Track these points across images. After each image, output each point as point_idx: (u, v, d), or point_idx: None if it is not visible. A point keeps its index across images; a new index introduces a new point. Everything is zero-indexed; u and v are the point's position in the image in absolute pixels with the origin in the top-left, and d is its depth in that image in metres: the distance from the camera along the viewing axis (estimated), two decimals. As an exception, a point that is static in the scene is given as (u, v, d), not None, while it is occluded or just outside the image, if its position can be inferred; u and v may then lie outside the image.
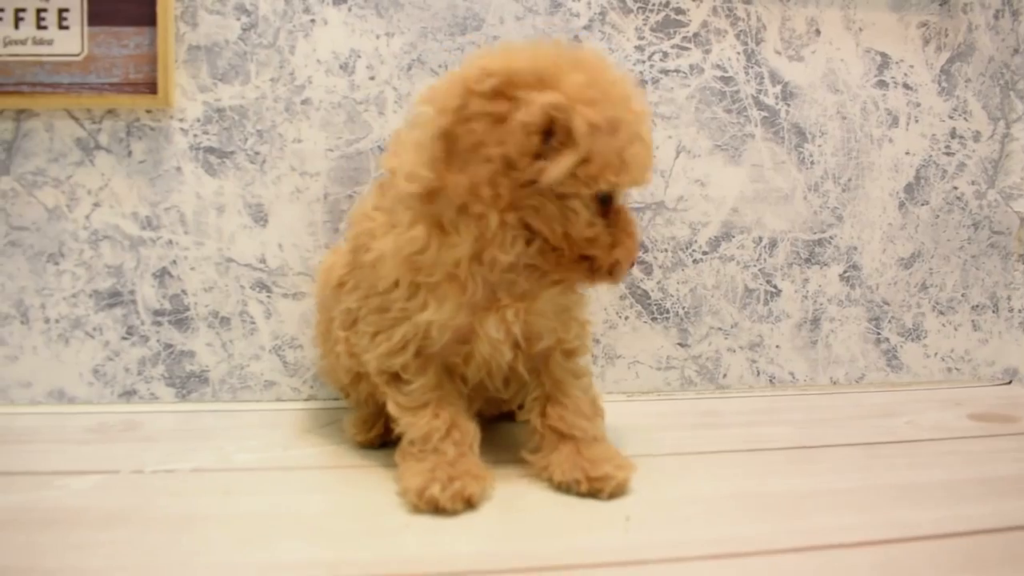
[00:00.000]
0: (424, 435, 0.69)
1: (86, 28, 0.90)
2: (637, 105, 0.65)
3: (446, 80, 0.65)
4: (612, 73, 0.65)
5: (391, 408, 0.70)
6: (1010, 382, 1.12)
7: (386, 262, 0.67)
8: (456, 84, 0.62)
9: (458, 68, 0.66)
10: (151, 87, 0.91)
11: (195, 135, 0.93)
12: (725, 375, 1.04)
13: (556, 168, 0.61)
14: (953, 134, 1.09)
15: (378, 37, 0.95)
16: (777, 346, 1.05)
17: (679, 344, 1.03)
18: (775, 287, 1.05)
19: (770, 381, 1.06)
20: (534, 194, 0.63)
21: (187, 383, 0.95)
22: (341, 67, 0.94)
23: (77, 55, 0.90)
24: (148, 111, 0.92)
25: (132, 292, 0.94)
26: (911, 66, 1.07)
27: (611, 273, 0.68)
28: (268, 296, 0.95)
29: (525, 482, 0.72)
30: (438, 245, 0.65)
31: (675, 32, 1.00)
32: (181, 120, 0.93)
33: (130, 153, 0.93)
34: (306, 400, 0.96)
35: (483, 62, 0.63)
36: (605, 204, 0.66)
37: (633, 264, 0.69)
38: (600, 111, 0.61)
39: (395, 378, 0.70)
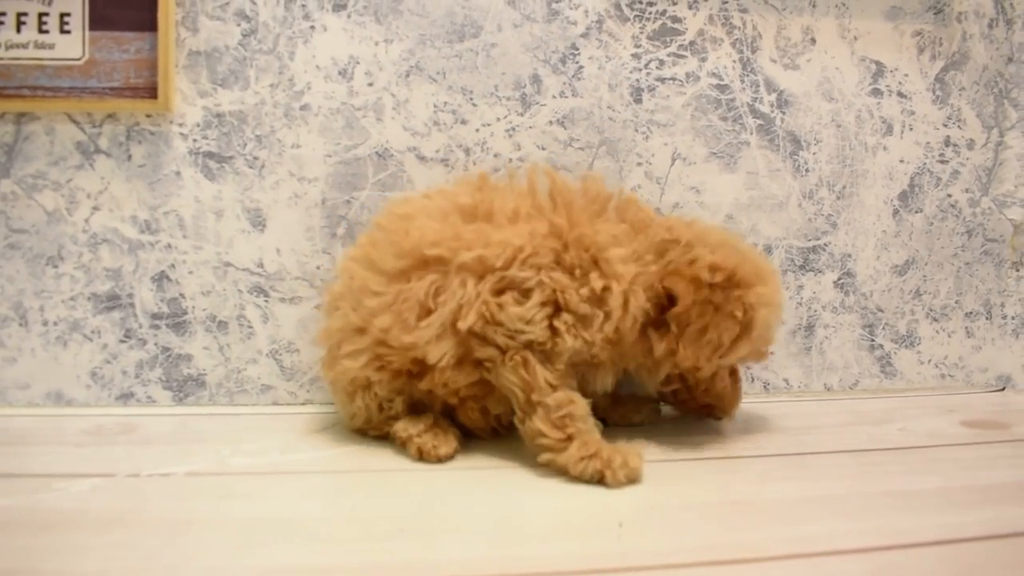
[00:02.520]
0: (575, 411, 0.77)
1: (87, 32, 0.91)
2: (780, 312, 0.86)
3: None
4: (778, 283, 0.86)
5: (542, 381, 0.76)
6: (1003, 389, 1.12)
7: (615, 295, 0.77)
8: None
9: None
10: (151, 92, 0.91)
11: (194, 140, 0.93)
12: (720, 381, 1.05)
13: (737, 353, 0.82)
14: (947, 142, 1.10)
15: (377, 44, 0.95)
16: (771, 352, 1.06)
17: (674, 350, 1.03)
18: (770, 294, 1.05)
19: (764, 387, 1.06)
20: None
21: (184, 386, 0.95)
22: (340, 73, 0.95)
23: (78, 59, 0.91)
24: (148, 115, 0.93)
25: (130, 295, 0.94)
26: (905, 75, 1.08)
27: (720, 418, 0.90)
28: (266, 300, 0.96)
29: (518, 486, 0.73)
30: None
31: (671, 40, 1.01)
32: (181, 125, 0.93)
33: (130, 157, 0.93)
34: (303, 404, 0.97)
35: (711, 259, 0.80)
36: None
37: None
38: (771, 314, 0.83)
39: (546, 356, 0.76)
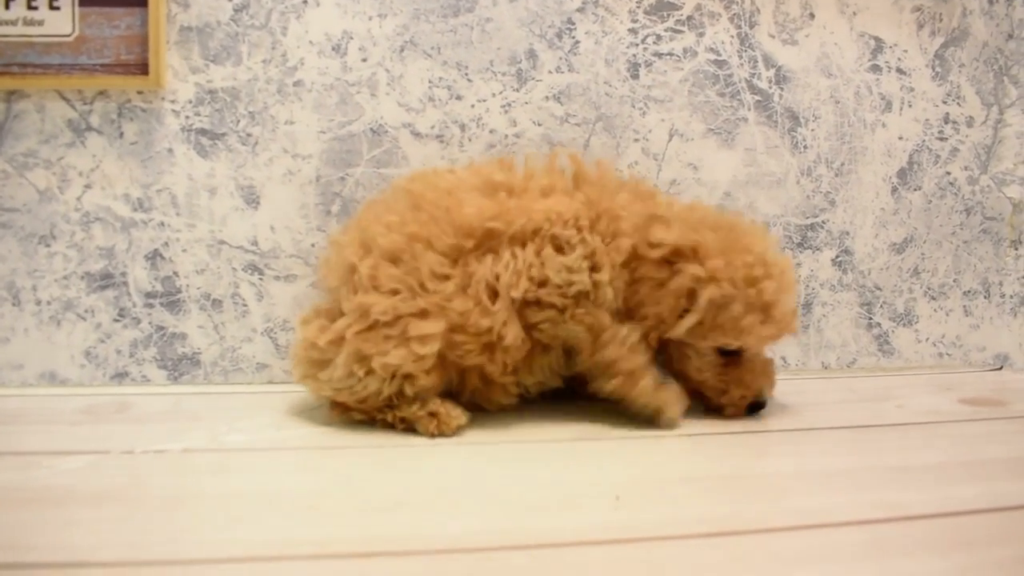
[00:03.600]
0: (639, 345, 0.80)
1: (77, 8, 0.90)
2: (771, 287, 0.80)
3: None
4: (757, 255, 0.80)
5: (606, 320, 0.79)
6: (1001, 368, 1.12)
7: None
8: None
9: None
10: (143, 68, 0.91)
11: (187, 117, 0.93)
12: (717, 359, 1.05)
13: (679, 327, 0.80)
14: (946, 119, 1.09)
15: (371, 18, 0.94)
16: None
17: (671, 328, 1.03)
18: (767, 271, 1.05)
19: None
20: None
21: (179, 365, 0.95)
22: (333, 49, 0.94)
23: (68, 36, 0.90)
24: (139, 92, 0.92)
25: (124, 274, 0.94)
26: (905, 51, 1.07)
27: (719, 412, 0.85)
28: (260, 278, 0.95)
29: (515, 460, 0.72)
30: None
31: (668, 15, 1.00)
32: (173, 101, 0.92)
33: (121, 135, 0.92)
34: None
35: (655, 232, 0.79)
36: (729, 355, 0.83)
37: (748, 409, 0.84)
38: (731, 287, 0.79)
39: (598, 303, 0.79)
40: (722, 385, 0.84)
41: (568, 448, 0.76)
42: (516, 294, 0.77)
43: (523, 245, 0.77)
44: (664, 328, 0.80)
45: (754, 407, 0.84)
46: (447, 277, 0.76)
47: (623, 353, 0.79)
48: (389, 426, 0.79)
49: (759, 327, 0.81)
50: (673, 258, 0.80)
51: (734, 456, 0.75)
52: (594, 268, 0.78)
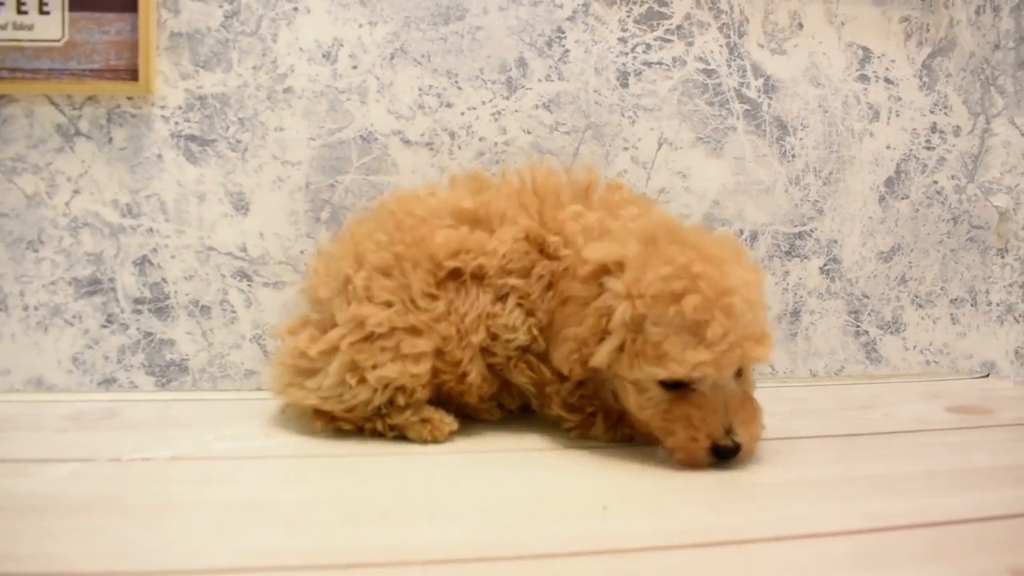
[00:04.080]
0: (586, 392, 0.79)
1: (67, 13, 0.90)
2: (694, 302, 0.67)
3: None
4: (679, 266, 0.68)
5: (548, 375, 0.77)
6: (988, 375, 1.13)
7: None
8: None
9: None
10: (132, 74, 0.90)
11: (176, 122, 0.93)
12: (706, 367, 1.05)
13: (598, 354, 0.71)
14: (934, 129, 1.10)
15: (361, 26, 0.94)
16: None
17: (660, 336, 1.03)
18: (756, 279, 1.05)
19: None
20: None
21: (167, 372, 0.95)
22: (324, 56, 0.94)
23: (58, 40, 0.90)
24: (129, 98, 0.92)
25: (112, 280, 0.93)
26: (893, 60, 1.08)
27: (670, 454, 0.72)
28: (249, 285, 0.95)
29: (502, 469, 0.72)
30: None
31: (658, 24, 1.00)
32: (162, 107, 0.92)
33: (111, 140, 0.92)
34: (287, 389, 0.96)
35: (587, 247, 0.73)
36: (674, 388, 0.70)
37: (713, 454, 0.70)
38: (645, 305, 0.68)
39: (542, 355, 0.78)
40: (666, 425, 0.71)
41: (555, 458, 0.76)
42: (475, 340, 0.76)
43: (480, 286, 0.77)
44: (586, 353, 0.72)
45: (718, 452, 0.69)
46: (436, 297, 0.76)
47: (564, 412, 0.79)
48: (378, 434, 0.79)
49: (688, 352, 0.67)
50: (600, 275, 0.72)
51: (721, 466, 0.75)
52: (530, 312, 0.77)
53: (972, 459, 0.78)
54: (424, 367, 0.76)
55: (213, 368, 0.95)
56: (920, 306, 1.11)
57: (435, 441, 0.78)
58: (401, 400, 0.77)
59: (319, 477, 0.71)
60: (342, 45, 0.94)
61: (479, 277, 0.77)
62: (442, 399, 0.81)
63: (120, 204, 0.93)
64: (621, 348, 0.70)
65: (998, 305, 1.13)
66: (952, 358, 1.13)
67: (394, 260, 0.77)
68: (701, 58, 1.02)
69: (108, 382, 0.94)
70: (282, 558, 0.55)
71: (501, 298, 0.77)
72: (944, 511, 0.64)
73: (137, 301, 0.94)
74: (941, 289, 1.12)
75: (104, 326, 0.94)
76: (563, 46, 0.98)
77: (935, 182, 1.10)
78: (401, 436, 0.78)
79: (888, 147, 1.08)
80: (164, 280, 0.94)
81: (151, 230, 0.93)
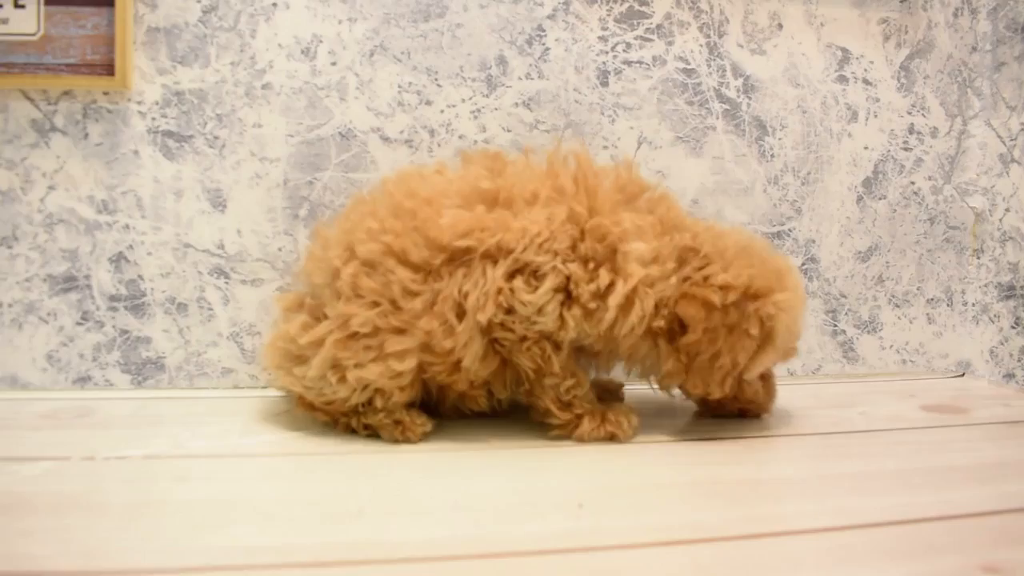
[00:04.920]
0: (580, 392, 0.80)
1: (43, 7, 0.89)
2: (803, 310, 0.83)
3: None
4: (798, 282, 0.82)
5: (556, 367, 0.78)
6: (963, 375, 1.14)
7: (616, 294, 0.76)
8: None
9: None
10: (108, 69, 0.90)
11: (153, 118, 0.92)
12: (684, 365, 1.05)
13: (758, 366, 0.80)
14: (911, 130, 1.10)
15: (340, 22, 0.94)
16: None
17: (639, 334, 1.04)
18: (734, 279, 1.06)
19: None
20: None
21: (143, 370, 0.94)
22: (303, 52, 0.94)
23: (33, 35, 0.89)
24: (105, 93, 0.91)
25: (87, 277, 0.92)
26: (871, 62, 1.08)
27: (758, 416, 0.89)
28: (226, 282, 0.94)
29: (479, 467, 0.72)
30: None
31: (638, 23, 1.01)
32: (139, 103, 0.92)
33: (86, 135, 0.91)
34: (264, 388, 0.96)
35: (723, 278, 0.77)
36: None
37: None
38: (792, 318, 0.79)
39: (557, 345, 0.78)
40: (767, 398, 0.87)
41: (532, 455, 0.76)
42: (482, 318, 0.74)
43: (495, 263, 0.74)
44: (737, 372, 0.79)
45: None
46: (416, 294, 0.75)
47: (556, 408, 0.79)
48: (351, 430, 0.79)
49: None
50: (745, 300, 0.78)
51: (695, 463, 0.75)
52: (567, 301, 0.75)
53: (946, 458, 0.78)
54: (409, 364, 0.75)
55: (190, 366, 0.95)
56: (897, 306, 1.12)
57: (407, 441, 0.78)
58: (379, 402, 0.77)
59: (296, 475, 0.71)
60: (321, 41, 0.94)
61: (492, 255, 0.74)
62: (429, 394, 0.81)
63: (96, 200, 0.92)
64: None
65: (973, 305, 1.14)
66: (928, 357, 1.14)
67: (380, 254, 0.75)
68: (681, 57, 1.02)
69: (83, 380, 0.93)
70: (257, 556, 0.54)
71: (527, 274, 0.74)
72: (917, 509, 0.65)
73: (113, 298, 0.93)
74: (917, 289, 1.12)
75: (79, 323, 0.93)
76: (543, 44, 0.98)
77: (912, 183, 1.11)
78: (375, 435, 0.78)
79: (866, 148, 1.09)
80: (140, 277, 0.93)
81: (127, 227, 0.92)
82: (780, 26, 1.05)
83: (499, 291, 0.74)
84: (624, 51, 1.00)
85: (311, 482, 0.69)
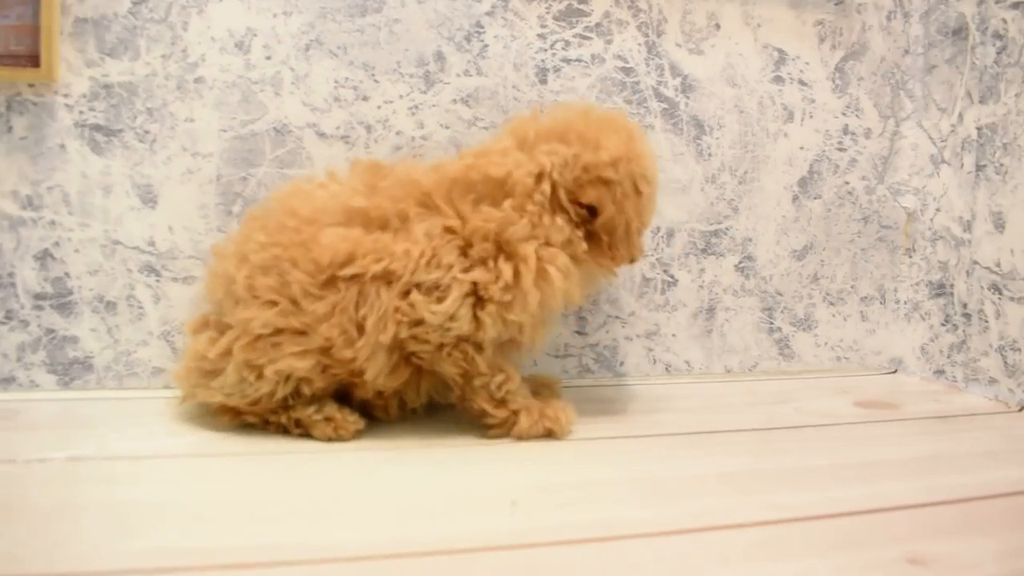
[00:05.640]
0: (512, 387, 0.80)
1: (-36, -4, 0.86)
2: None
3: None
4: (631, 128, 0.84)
5: (482, 367, 0.78)
6: (895, 371, 1.16)
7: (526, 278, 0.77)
8: None
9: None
10: (34, 60, 0.87)
11: (81, 111, 0.89)
12: (622, 363, 1.06)
13: (651, 217, 0.86)
14: (845, 131, 1.12)
15: (275, 16, 0.92)
16: (673, 335, 1.07)
17: (577, 332, 1.04)
18: (672, 277, 1.06)
19: (666, 369, 1.07)
20: None
21: (70, 370, 0.91)
22: (236, 45, 0.92)
23: (-47, 24, 0.86)
24: (30, 85, 0.88)
25: (11, 275, 0.89)
26: (807, 63, 1.10)
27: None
28: (157, 280, 0.92)
29: (410, 466, 0.72)
30: None
31: (577, 21, 1.01)
32: (66, 96, 0.89)
33: (10, 129, 0.88)
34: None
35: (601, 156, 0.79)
36: None
37: None
38: (654, 165, 0.84)
39: (478, 345, 0.78)
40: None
41: (464, 454, 0.76)
42: (384, 338, 0.75)
43: (387, 284, 0.75)
44: (645, 227, 0.84)
45: None
46: (318, 298, 0.75)
47: (491, 407, 0.79)
48: (283, 429, 0.78)
49: None
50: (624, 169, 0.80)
51: (632, 460, 0.76)
52: (478, 303, 0.76)
53: (877, 452, 0.80)
54: (309, 363, 0.76)
55: (119, 366, 0.92)
56: (831, 304, 1.13)
57: (340, 439, 0.77)
58: (307, 390, 0.77)
59: (225, 476, 0.69)
60: (255, 35, 0.92)
61: (383, 278, 0.75)
62: (343, 395, 0.81)
63: (20, 196, 0.89)
64: None
65: (905, 303, 1.16)
66: (861, 354, 1.16)
67: (273, 259, 0.76)
68: (620, 56, 1.02)
69: (7, 381, 0.90)
70: (181, 559, 0.53)
71: (423, 290, 0.75)
72: (847, 503, 0.66)
73: (38, 296, 0.90)
74: (851, 287, 1.14)
75: (3, 323, 0.90)
76: (482, 41, 0.98)
77: (847, 183, 1.13)
78: (306, 434, 0.78)
79: (801, 148, 1.10)
80: (67, 275, 0.90)
81: (53, 223, 0.90)
82: (718, 26, 1.06)
83: (396, 309, 0.75)
84: (563, 49, 1.00)
85: (241, 483, 0.67)
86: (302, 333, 0.76)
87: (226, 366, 0.77)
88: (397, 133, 0.96)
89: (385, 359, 0.76)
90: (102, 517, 0.59)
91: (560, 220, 0.78)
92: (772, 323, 1.11)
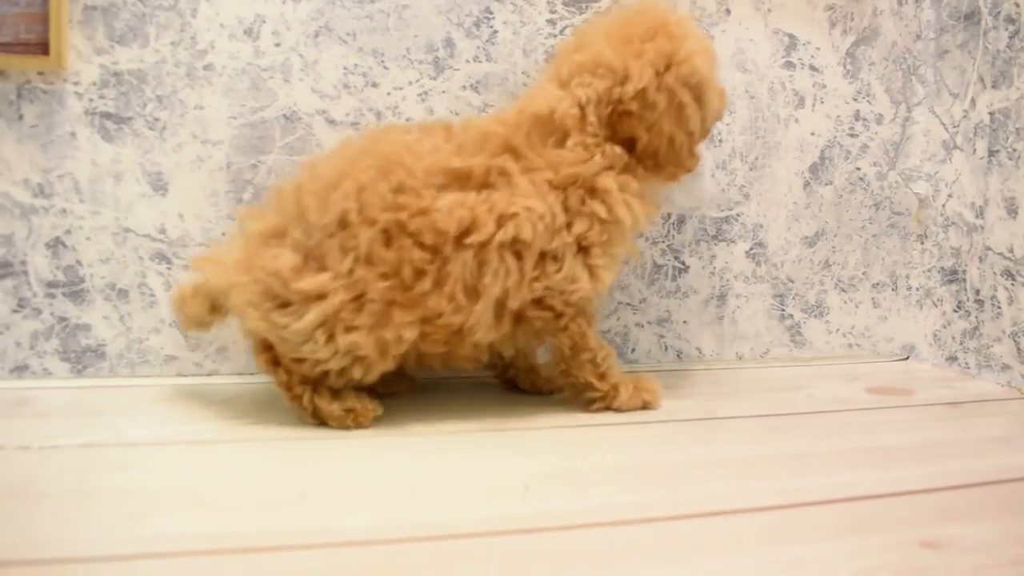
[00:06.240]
0: (612, 361, 0.85)
1: (-27, -15, 0.86)
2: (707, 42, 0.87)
3: None
4: (683, 20, 0.85)
5: (592, 342, 0.83)
6: (907, 358, 1.15)
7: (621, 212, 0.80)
8: None
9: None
10: (43, 48, 0.87)
11: (91, 99, 0.89)
12: (633, 350, 1.05)
13: (710, 121, 0.87)
14: (857, 116, 1.12)
15: (284, 2, 0.92)
16: (684, 321, 1.07)
17: (588, 319, 1.04)
18: (683, 263, 1.06)
19: (678, 356, 1.07)
20: None
21: (83, 358, 0.92)
22: (245, 32, 0.92)
23: (-37, 13, 0.86)
24: (40, 73, 0.88)
25: (23, 263, 0.90)
26: (818, 48, 1.09)
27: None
28: (168, 268, 0.92)
29: (423, 452, 0.72)
30: None
31: (587, 7, 1.00)
32: (76, 83, 0.89)
33: (21, 117, 0.88)
34: (208, 375, 0.94)
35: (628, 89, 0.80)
36: None
37: None
38: (705, 58, 0.84)
39: (590, 317, 0.83)
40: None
41: (476, 439, 0.76)
42: (513, 305, 0.78)
43: (515, 254, 0.76)
44: (696, 137, 0.84)
45: None
46: (425, 273, 0.75)
47: (596, 380, 0.83)
48: (299, 402, 0.77)
49: None
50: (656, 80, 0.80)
51: (643, 446, 0.75)
52: (583, 252, 0.79)
53: (888, 438, 0.79)
54: (411, 334, 0.75)
55: (131, 354, 0.92)
56: (843, 290, 1.13)
57: (360, 427, 0.77)
58: (357, 373, 0.75)
59: (236, 462, 0.69)
60: (264, 21, 0.92)
61: (508, 246, 0.76)
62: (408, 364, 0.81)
63: (32, 184, 0.89)
64: None
65: (917, 289, 1.16)
66: (873, 341, 1.15)
67: (397, 228, 0.74)
68: (629, 42, 1.02)
69: (20, 369, 0.91)
70: (191, 543, 0.53)
71: (549, 258, 0.78)
72: (858, 487, 0.65)
73: (50, 285, 0.90)
74: (863, 274, 1.14)
75: (15, 311, 0.90)
76: (491, 27, 0.97)
77: (858, 168, 1.12)
78: (322, 423, 0.77)
79: (812, 133, 1.10)
80: (79, 263, 0.91)
81: (64, 211, 0.90)
82: (728, 11, 1.05)
83: (530, 283, 0.78)
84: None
85: (252, 469, 0.68)
86: (408, 307, 0.75)
87: (306, 306, 0.73)
88: (407, 120, 0.96)
89: (491, 316, 0.78)
90: (115, 503, 0.59)
91: (617, 148, 0.80)
92: (784, 310, 1.11)
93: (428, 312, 0.75)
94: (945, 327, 1.11)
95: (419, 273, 0.75)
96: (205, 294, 0.80)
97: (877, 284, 1.15)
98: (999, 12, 1.02)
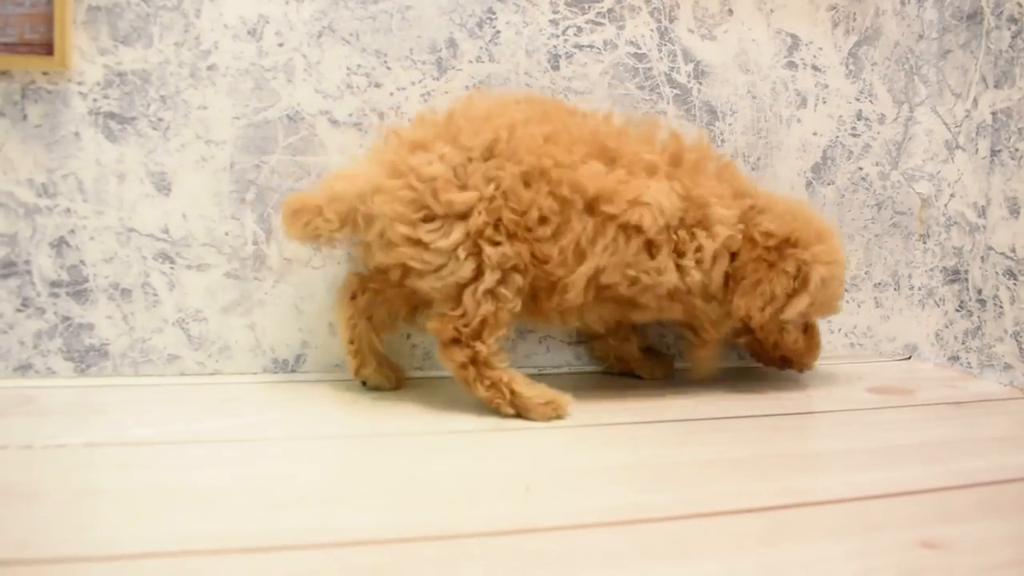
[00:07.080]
0: None
1: (-22, -15, 0.86)
2: (841, 268, 0.93)
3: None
4: (837, 243, 0.93)
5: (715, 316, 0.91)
6: (909, 358, 1.15)
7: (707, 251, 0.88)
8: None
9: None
10: (47, 48, 0.87)
11: (94, 99, 0.90)
12: (636, 350, 1.06)
13: (795, 307, 0.89)
14: (859, 116, 1.12)
15: (287, 2, 0.92)
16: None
17: (591, 319, 1.04)
18: (685, 263, 1.06)
19: (680, 355, 1.07)
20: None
21: (86, 357, 0.92)
22: (249, 32, 0.92)
23: (-32, 13, 0.86)
24: (44, 73, 0.89)
25: (27, 262, 0.90)
26: (820, 48, 1.09)
27: (800, 370, 0.99)
28: (171, 267, 0.92)
29: (425, 452, 0.72)
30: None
31: (589, 7, 1.00)
32: (80, 83, 0.89)
33: (25, 117, 0.89)
34: (211, 374, 0.94)
35: (767, 226, 0.90)
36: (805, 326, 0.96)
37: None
38: (828, 271, 0.90)
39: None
40: (808, 352, 0.97)
41: (478, 439, 0.76)
42: (606, 280, 0.83)
43: (627, 239, 0.82)
44: (776, 304, 0.89)
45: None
46: (547, 221, 0.80)
47: (711, 330, 0.91)
48: (349, 341, 0.88)
49: (840, 302, 0.96)
50: (785, 246, 0.89)
51: (644, 446, 0.76)
52: (699, 262, 0.86)
53: (891, 437, 0.79)
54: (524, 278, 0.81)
55: (135, 353, 0.93)
56: (845, 290, 1.13)
57: (559, 417, 0.81)
58: (507, 290, 0.79)
59: (239, 462, 0.70)
60: (268, 22, 0.92)
61: (628, 227, 0.82)
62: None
63: (36, 183, 0.89)
64: (812, 303, 0.90)
65: (919, 289, 1.16)
66: (875, 341, 1.15)
67: (538, 175, 0.80)
68: (632, 42, 1.02)
69: (24, 368, 0.91)
70: (195, 542, 0.53)
71: (650, 249, 0.84)
72: (862, 487, 0.65)
73: (54, 284, 0.91)
74: (865, 273, 1.14)
75: (19, 310, 0.90)
76: (494, 27, 0.97)
77: (860, 168, 1.12)
78: (519, 415, 0.81)
79: (815, 134, 1.10)
80: (82, 262, 0.91)
81: (68, 210, 0.90)
82: (730, 12, 1.05)
83: (627, 264, 0.83)
84: (575, 35, 1.00)
85: (255, 468, 0.68)
86: (528, 243, 0.80)
87: (452, 225, 0.78)
88: (410, 120, 0.96)
89: (592, 290, 0.84)
90: (117, 502, 0.60)
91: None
92: (785, 310, 1.11)
93: (539, 254, 0.80)
94: (947, 327, 1.11)
95: (543, 220, 0.80)
96: (339, 203, 0.81)
97: (879, 284, 1.15)
98: (1001, 12, 1.02)
